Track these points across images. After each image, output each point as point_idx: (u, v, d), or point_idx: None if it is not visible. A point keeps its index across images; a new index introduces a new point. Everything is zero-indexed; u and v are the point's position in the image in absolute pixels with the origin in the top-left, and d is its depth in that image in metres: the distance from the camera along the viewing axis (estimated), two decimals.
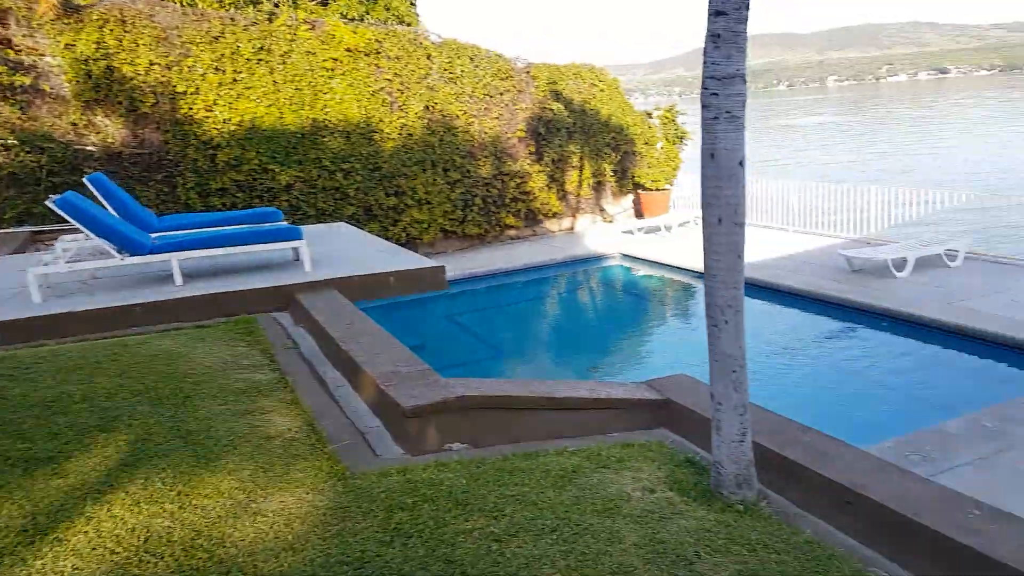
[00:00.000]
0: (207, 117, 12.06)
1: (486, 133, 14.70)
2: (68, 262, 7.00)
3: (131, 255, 6.81)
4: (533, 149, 15.28)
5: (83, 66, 11.21)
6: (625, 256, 13.72)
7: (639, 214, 16.69)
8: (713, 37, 3.04)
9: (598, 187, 16.48)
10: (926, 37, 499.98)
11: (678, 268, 12.44)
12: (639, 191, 16.70)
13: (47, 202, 6.80)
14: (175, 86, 11.86)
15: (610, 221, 16.59)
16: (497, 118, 14.93)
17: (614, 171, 16.43)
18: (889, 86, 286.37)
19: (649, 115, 17.35)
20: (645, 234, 15.03)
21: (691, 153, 19.63)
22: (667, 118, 17.38)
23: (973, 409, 6.05)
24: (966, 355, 7.85)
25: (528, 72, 15.63)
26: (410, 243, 13.72)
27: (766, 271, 11.04)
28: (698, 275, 11.93)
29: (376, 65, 13.65)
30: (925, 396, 7.01)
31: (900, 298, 9.21)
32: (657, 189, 16.48)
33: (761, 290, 10.65)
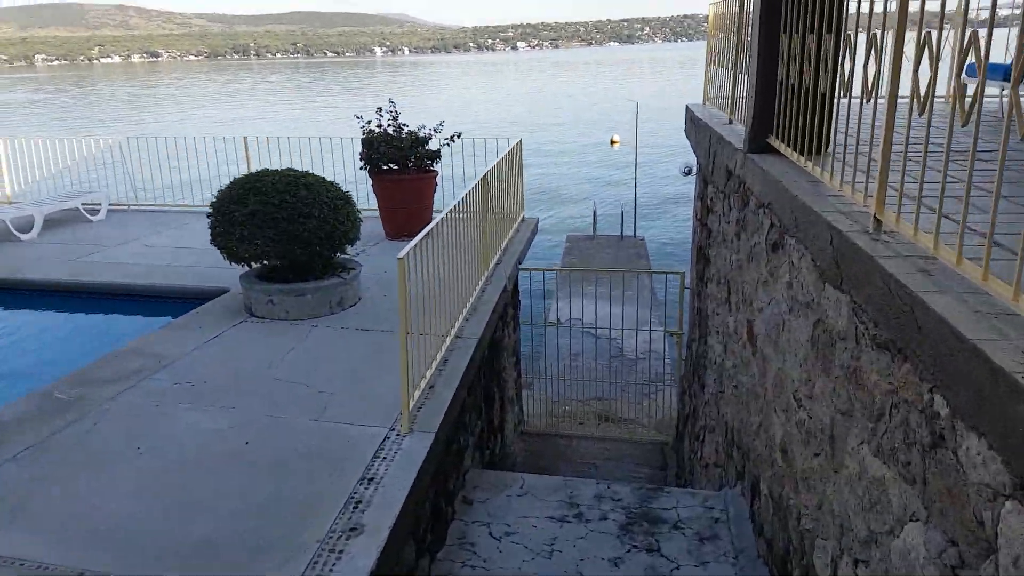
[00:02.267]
0: None
1: None
2: None
3: None
4: None
5: None
6: None
7: None
8: None
9: None
10: (133, 21, 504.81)
11: None
12: None
13: None
14: None
15: None
16: None
17: None
18: (103, 67, 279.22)
19: None
20: None
21: None
22: None
23: (58, 376, 4.59)
24: (79, 314, 6.48)
25: None
26: None
27: None
28: None
29: None
30: (5, 375, 5.29)
31: (12, 264, 7.26)
32: None
33: None
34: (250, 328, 5.39)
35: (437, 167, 8.10)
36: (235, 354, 4.94)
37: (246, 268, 5.75)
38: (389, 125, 7.82)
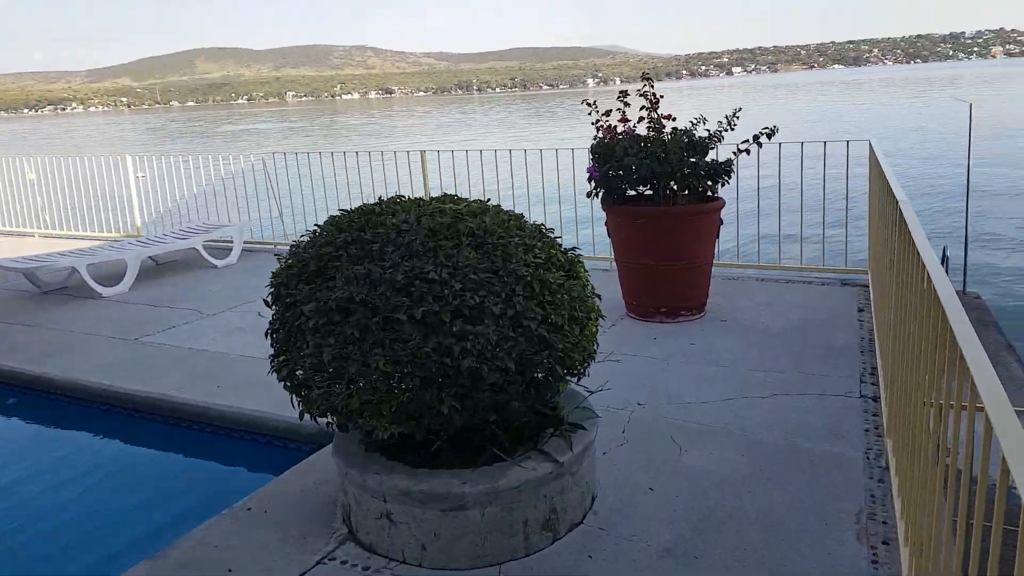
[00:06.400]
0: None
1: None
2: None
3: None
4: None
5: None
6: None
7: None
8: None
9: None
10: (371, 61, 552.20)
11: None
12: None
13: None
14: None
15: None
16: None
17: None
18: (344, 102, 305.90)
19: None
20: None
21: None
22: None
23: None
24: (92, 438, 3.64)
25: None
26: None
27: None
28: None
29: None
30: None
31: (46, 344, 4.67)
32: None
33: None
34: None
35: (722, 192, 4.56)
36: None
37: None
38: (640, 120, 4.40)
